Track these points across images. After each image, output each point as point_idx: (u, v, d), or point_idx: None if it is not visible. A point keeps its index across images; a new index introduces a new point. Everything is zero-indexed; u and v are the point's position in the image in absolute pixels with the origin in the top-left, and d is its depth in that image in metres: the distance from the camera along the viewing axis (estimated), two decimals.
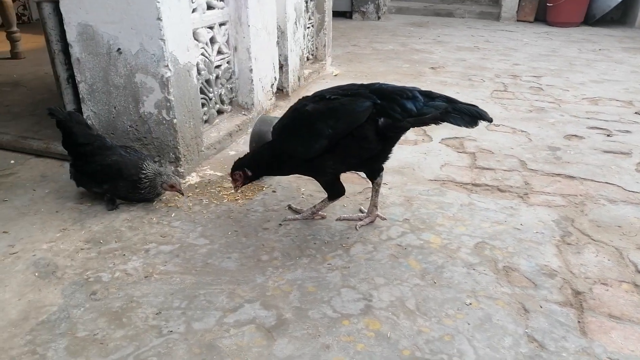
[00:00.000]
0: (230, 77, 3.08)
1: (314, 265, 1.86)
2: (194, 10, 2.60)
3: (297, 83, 3.89)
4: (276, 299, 1.68)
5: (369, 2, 7.78)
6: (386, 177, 2.14)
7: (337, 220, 2.17)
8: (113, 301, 1.65)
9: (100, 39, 2.34)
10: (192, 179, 2.53)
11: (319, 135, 1.86)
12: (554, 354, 1.46)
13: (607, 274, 1.81)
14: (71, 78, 2.56)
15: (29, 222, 2.11)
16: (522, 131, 3.19)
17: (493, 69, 4.76)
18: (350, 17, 8.00)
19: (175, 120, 2.40)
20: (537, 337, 1.52)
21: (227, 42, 2.98)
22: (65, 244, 1.96)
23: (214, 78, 2.88)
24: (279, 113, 3.31)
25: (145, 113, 2.42)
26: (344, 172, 2.10)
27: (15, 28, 4.95)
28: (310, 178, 2.15)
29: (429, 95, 1.82)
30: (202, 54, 2.75)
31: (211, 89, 2.88)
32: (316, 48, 4.57)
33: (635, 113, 3.54)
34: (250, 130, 2.93)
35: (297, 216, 2.18)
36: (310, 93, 2.05)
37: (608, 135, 3.12)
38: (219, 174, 2.57)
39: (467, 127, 1.71)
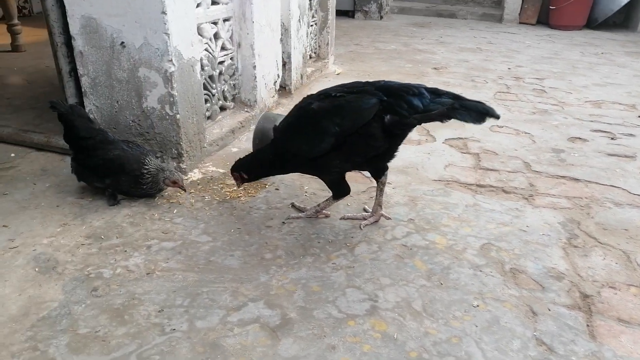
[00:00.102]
0: (234, 74, 3.05)
1: (318, 264, 1.84)
2: (198, 5, 2.57)
3: (300, 81, 3.87)
4: (280, 298, 1.66)
5: (372, 2, 7.75)
6: (390, 176, 2.11)
7: (341, 219, 2.14)
8: (114, 298, 1.63)
9: (103, 32, 2.31)
10: (194, 175, 2.50)
11: (325, 133, 1.84)
12: (564, 358, 1.44)
13: (615, 278, 1.79)
14: (73, 71, 2.53)
15: (29, 216, 2.08)
16: (526, 133, 3.18)
17: (496, 71, 4.75)
18: (353, 16, 7.98)
19: (178, 116, 2.37)
20: (545, 340, 1.50)
21: (230, 38, 2.95)
22: (66, 239, 1.93)
23: (217, 74, 2.86)
24: (281, 111, 3.28)
25: (148, 108, 2.39)
26: (350, 170, 2.08)
27: (16, 21, 4.91)
28: (313, 176, 2.13)
29: (435, 92, 1.80)
30: (206, 50, 2.72)
31: (214, 85, 2.86)
32: (319, 46, 4.54)
33: (639, 117, 3.52)
34: (252, 127, 2.91)
35: (300, 214, 2.16)
36: (312, 91, 2.02)
37: (612, 139, 3.11)
38: (221, 170, 2.55)
39: (474, 123, 1.68)
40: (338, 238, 2.01)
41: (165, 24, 2.18)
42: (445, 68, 4.82)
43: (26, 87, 3.79)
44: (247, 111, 3.15)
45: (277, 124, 2.08)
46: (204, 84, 2.71)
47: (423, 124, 2.27)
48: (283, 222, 2.11)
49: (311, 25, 4.24)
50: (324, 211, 2.14)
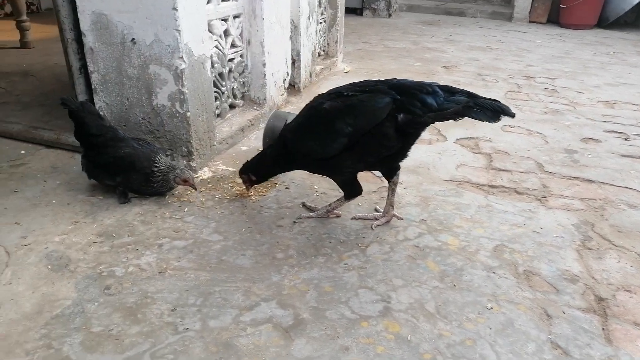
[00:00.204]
0: (243, 71, 3.04)
1: (330, 264, 1.83)
2: (208, 2, 2.56)
3: (309, 79, 3.85)
4: (293, 298, 1.65)
5: None
6: (401, 176, 2.09)
7: (352, 219, 2.13)
8: (127, 296, 1.62)
9: (114, 29, 2.30)
10: (205, 173, 2.49)
11: (338, 133, 1.82)
12: None
13: (631, 281, 1.77)
14: (84, 68, 2.52)
15: (40, 214, 2.08)
16: (538, 133, 3.15)
17: (506, 70, 4.71)
18: (361, 14, 7.94)
19: (188, 114, 2.36)
20: (561, 343, 1.48)
21: (240, 35, 2.94)
22: (78, 237, 1.93)
23: (227, 71, 2.85)
24: (290, 109, 3.27)
25: (159, 105, 2.39)
26: (362, 170, 2.06)
27: (25, 17, 4.92)
28: (324, 176, 2.11)
29: (449, 90, 1.77)
30: (216, 47, 2.71)
31: (224, 83, 2.84)
32: (328, 44, 4.52)
33: None
34: (262, 125, 2.90)
35: (311, 214, 2.14)
36: (321, 90, 2.01)
37: (626, 140, 3.07)
38: (231, 169, 2.54)
39: (489, 121, 1.66)
40: (350, 238, 2.00)
41: (176, 20, 2.17)
42: (456, 67, 4.79)
43: (35, 84, 3.79)
44: (256, 109, 3.14)
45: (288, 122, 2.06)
46: (213, 81, 2.70)
47: (434, 123, 2.25)
48: (294, 222, 2.10)
49: (320, 23, 4.22)
50: (335, 211, 2.13)
